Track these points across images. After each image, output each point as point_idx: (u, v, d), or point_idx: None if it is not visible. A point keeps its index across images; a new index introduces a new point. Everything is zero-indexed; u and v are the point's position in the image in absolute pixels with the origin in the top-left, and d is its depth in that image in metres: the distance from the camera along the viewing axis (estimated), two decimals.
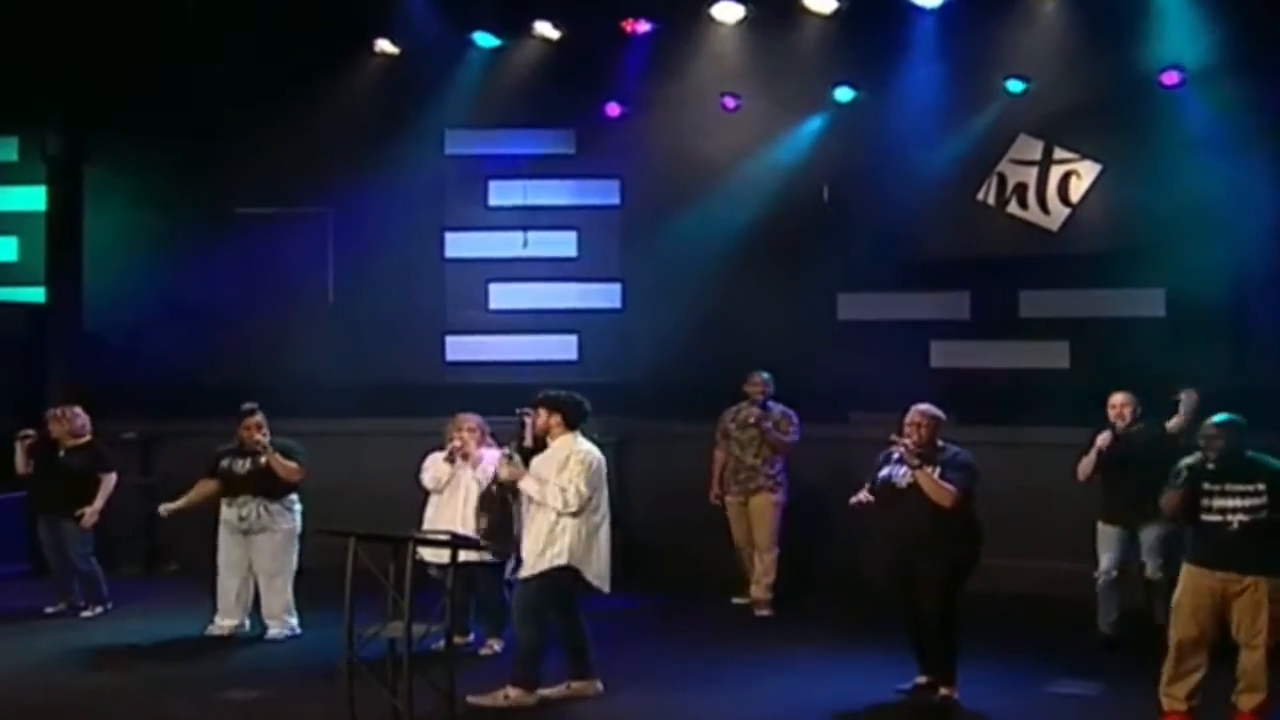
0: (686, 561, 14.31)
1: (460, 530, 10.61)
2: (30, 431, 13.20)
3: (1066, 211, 14.70)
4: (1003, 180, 14.95)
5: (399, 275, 16.33)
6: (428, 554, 10.02)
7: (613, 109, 15.98)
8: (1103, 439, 11.54)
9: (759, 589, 13.12)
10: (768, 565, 13.08)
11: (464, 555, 9.96)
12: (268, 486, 12.01)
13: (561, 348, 16.55)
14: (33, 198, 16.44)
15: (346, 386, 15.47)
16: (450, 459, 11.30)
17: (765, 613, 13.06)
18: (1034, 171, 14.83)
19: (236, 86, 15.15)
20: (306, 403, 14.41)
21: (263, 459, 11.97)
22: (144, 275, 16.21)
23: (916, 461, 9.90)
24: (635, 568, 14.21)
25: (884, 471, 10.17)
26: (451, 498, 11.41)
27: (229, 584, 12.19)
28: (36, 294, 16.25)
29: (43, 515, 13.18)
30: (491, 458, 11.20)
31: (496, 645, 11.49)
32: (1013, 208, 14.92)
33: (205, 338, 16.07)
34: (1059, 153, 14.72)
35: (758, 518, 13.13)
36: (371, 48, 15.81)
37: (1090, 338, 14.62)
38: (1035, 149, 14.83)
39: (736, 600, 13.27)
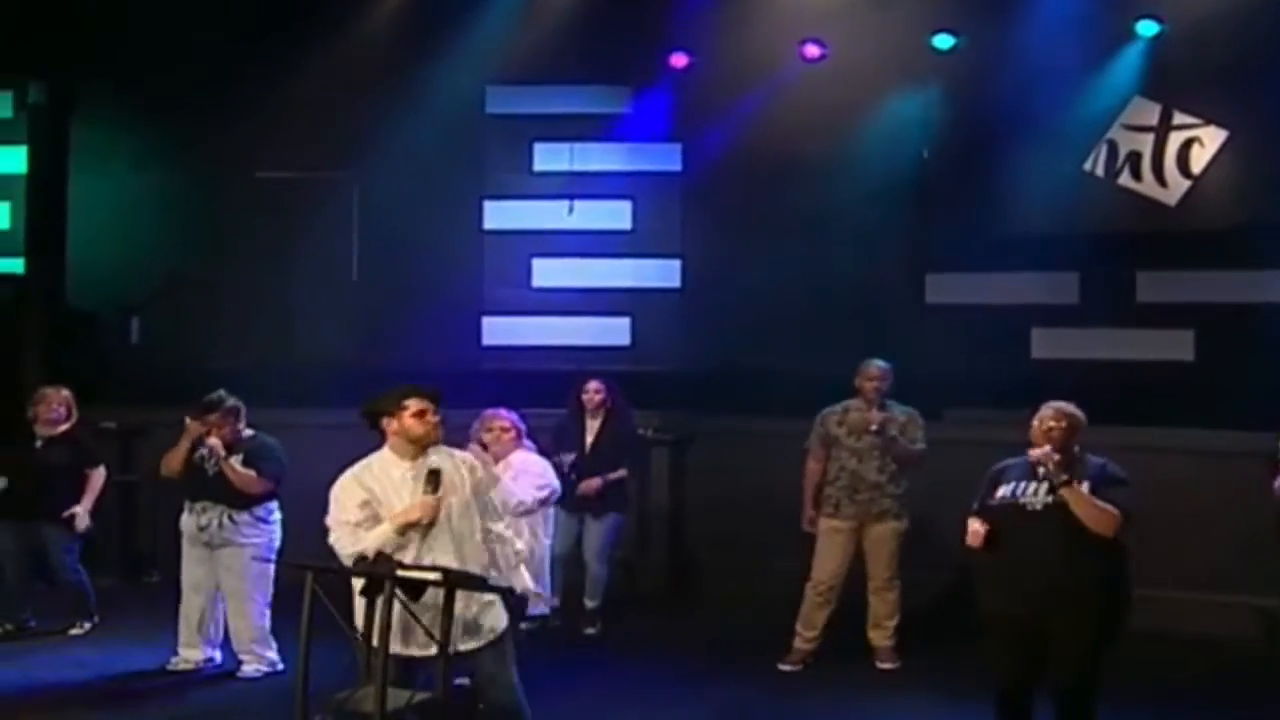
0: (752, 582, 12.56)
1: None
2: None
3: (1187, 184, 13.91)
4: (1114, 148, 14.14)
5: (431, 248, 15.38)
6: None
7: (677, 60, 14.91)
8: None
9: (881, 634, 10.81)
10: (891, 606, 10.78)
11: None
12: (235, 493, 10.36)
13: (613, 331, 15.64)
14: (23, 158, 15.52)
15: (370, 373, 13.98)
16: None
17: (890, 665, 10.77)
18: (1149, 139, 14.04)
19: (250, 29, 14.26)
20: (324, 391, 13.24)
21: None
22: (140, 245, 15.24)
23: (1065, 476, 7.74)
24: (689, 587, 13.46)
25: (1004, 490, 7.95)
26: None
27: (192, 608, 10.55)
28: (16, 264, 15.29)
29: (10, 521, 11.58)
30: (528, 466, 9.80)
31: None
32: (1125, 179, 14.14)
33: (209, 317, 15.45)
34: (1179, 118, 13.91)
35: (877, 549, 10.73)
36: None
37: (1218, 326, 13.72)
38: (1151, 114, 14.01)
39: (785, 666, 10.75)
